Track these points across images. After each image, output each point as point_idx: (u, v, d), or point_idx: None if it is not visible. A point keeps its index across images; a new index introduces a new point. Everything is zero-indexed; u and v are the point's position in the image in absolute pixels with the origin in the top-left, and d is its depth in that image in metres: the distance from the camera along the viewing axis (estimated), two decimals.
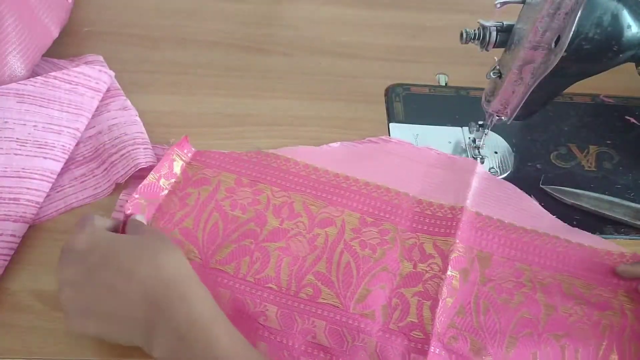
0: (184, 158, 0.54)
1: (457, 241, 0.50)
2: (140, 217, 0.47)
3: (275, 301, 0.46)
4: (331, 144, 0.57)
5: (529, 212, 0.54)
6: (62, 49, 0.62)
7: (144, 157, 0.52)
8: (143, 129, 0.54)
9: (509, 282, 0.49)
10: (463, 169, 0.56)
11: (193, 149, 0.55)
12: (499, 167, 0.58)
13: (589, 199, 0.55)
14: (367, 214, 0.52)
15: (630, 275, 0.48)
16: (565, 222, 0.53)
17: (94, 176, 0.52)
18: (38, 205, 0.48)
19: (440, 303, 0.46)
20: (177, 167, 0.53)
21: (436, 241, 0.50)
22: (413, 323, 0.46)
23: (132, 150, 0.52)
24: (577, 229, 0.53)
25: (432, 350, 0.44)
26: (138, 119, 0.55)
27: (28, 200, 0.47)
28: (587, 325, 0.47)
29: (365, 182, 0.54)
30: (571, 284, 0.49)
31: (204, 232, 0.50)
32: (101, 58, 0.60)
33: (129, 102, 0.56)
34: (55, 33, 0.59)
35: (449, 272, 0.48)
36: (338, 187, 0.54)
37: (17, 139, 0.49)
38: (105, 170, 0.52)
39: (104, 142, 0.53)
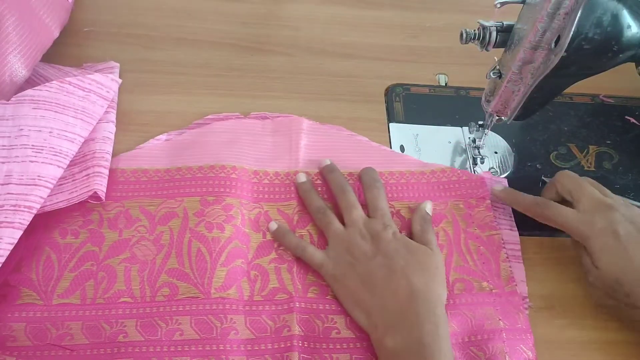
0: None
1: (296, 203, 0.52)
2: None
3: (132, 314, 0.45)
4: (158, 137, 0.56)
5: (361, 152, 0.57)
6: (62, 49, 0.62)
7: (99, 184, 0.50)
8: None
9: None
10: (291, 129, 0.57)
11: None
12: (499, 167, 0.58)
13: None
14: (207, 194, 0.51)
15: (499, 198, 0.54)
16: None
17: (73, 180, 0.50)
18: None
19: (295, 262, 0.48)
20: None
21: (279, 207, 0.52)
22: (275, 288, 0.47)
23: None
24: (399, 153, 0.58)
25: (297, 305, 0.46)
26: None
27: (36, 209, 0.45)
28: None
29: (199, 166, 0.53)
30: (409, 208, 0.53)
31: (38, 271, 0.46)
32: (112, 63, 0.60)
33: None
34: (55, 33, 0.59)
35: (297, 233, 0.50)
36: (172, 180, 0.52)
37: (32, 145, 0.47)
38: (87, 176, 0.50)
39: (94, 150, 0.51)
